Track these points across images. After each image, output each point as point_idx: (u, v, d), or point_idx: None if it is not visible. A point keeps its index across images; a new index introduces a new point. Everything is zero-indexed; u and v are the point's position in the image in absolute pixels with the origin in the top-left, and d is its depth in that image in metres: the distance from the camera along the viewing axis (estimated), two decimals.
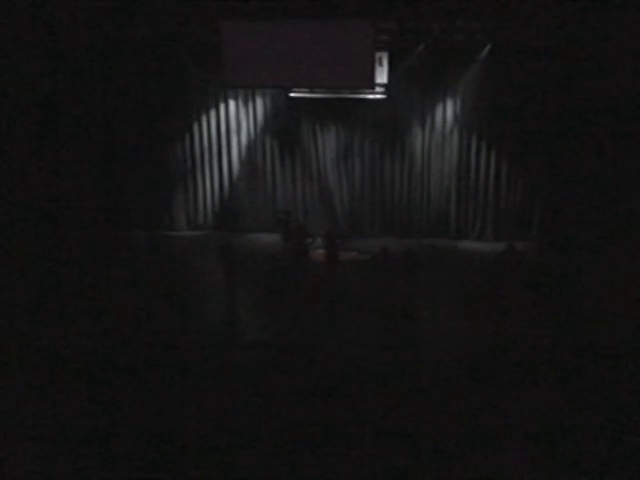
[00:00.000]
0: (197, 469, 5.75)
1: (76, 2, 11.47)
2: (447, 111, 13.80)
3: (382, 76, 13.03)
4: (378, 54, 12.90)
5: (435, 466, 5.81)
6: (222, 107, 14.25)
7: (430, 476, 5.73)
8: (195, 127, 14.36)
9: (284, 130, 14.28)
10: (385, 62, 12.95)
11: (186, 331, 9.25)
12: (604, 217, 12.39)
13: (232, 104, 14.21)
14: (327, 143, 14.30)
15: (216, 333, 9.52)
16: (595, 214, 12.59)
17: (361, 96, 13.40)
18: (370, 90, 13.15)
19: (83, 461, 5.87)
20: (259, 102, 14.20)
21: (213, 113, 14.30)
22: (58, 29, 12.03)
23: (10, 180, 11.78)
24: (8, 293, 10.10)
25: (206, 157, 14.54)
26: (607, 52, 11.67)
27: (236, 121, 14.33)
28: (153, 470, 5.71)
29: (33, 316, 9.41)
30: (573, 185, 12.96)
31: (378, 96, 13.26)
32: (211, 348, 8.74)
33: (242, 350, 8.83)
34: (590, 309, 9.68)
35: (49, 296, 10.25)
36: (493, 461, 5.96)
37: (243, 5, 11.56)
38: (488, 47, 12.75)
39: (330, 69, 12.02)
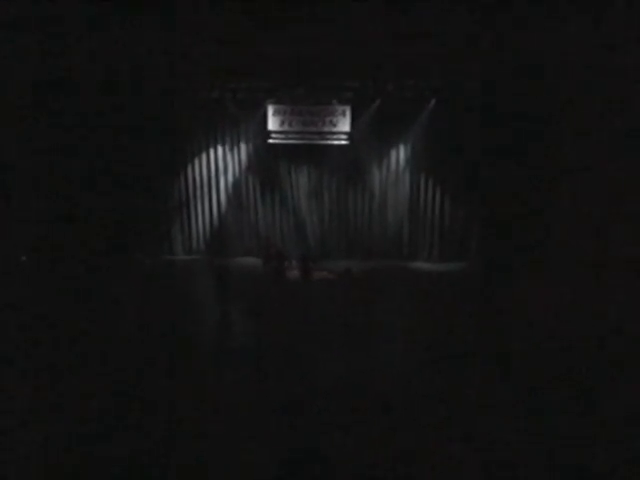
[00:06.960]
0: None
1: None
2: (400, 154, 15.02)
3: (345, 125, 14.61)
4: (342, 107, 14.48)
5: None
6: (212, 151, 15.34)
7: None
8: (189, 168, 15.42)
9: (264, 170, 15.40)
10: (348, 114, 14.54)
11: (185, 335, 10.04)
12: (529, 243, 13.62)
13: (220, 149, 15.33)
14: (300, 181, 15.44)
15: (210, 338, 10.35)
16: (521, 240, 13.78)
17: (328, 142, 14.81)
18: (336, 136, 14.75)
19: None
20: (243, 147, 15.27)
21: (204, 156, 15.40)
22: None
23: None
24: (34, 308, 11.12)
25: (199, 193, 15.59)
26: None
27: (223, 163, 15.43)
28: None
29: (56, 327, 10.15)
30: (503, 214, 14.09)
31: (342, 142, 14.77)
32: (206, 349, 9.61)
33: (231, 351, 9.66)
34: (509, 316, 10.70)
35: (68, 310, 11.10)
36: None
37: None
38: (433, 101, 14.26)
39: None
